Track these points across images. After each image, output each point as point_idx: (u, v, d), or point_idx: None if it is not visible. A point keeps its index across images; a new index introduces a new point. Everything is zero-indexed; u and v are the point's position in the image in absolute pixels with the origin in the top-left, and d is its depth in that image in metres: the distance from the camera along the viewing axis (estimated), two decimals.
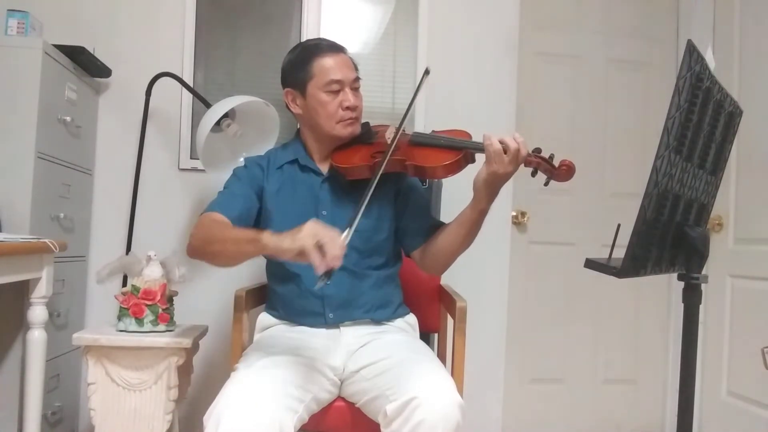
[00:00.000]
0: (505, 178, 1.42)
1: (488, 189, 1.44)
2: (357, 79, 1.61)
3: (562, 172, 1.43)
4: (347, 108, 1.57)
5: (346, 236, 1.25)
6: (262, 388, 1.28)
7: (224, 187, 1.63)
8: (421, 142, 1.56)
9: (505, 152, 1.38)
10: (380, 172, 1.44)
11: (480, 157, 1.46)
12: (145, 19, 2.38)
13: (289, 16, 2.48)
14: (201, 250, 1.45)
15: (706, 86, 1.09)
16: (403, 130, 1.56)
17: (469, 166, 1.53)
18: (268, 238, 1.26)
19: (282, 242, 1.22)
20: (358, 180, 1.56)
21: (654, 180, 1.03)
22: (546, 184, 1.46)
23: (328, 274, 1.19)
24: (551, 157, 1.44)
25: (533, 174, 1.46)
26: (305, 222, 1.57)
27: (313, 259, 1.16)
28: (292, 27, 2.48)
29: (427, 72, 1.56)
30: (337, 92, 1.56)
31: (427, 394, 1.27)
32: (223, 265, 1.54)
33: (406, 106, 1.55)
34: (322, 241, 1.17)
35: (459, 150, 1.50)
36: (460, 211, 1.53)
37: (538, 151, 1.44)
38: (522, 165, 1.42)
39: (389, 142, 1.53)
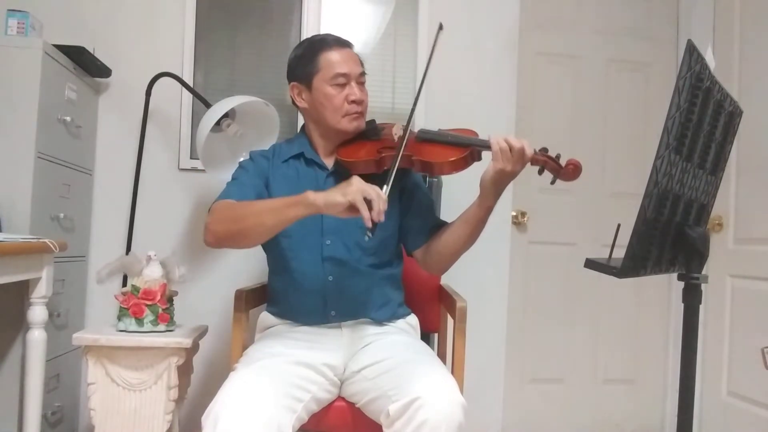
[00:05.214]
0: (511, 176, 1.44)
1: (495, 187, 1.46)
2: (363, 73, 1.61)
3: (569, 171, 1.44)
4: (353, 102, 1.57)
5: (385, 192, 1.32)
6: (261, 387, 1.28)
7: (232, 179, 1.61)
8: (428, 138, 1.57)
9: (511, 150, 1.40)
10: (402, 149, 1.47)
11: (486, 156, 1.48)
12: (145, 19, 2.38)
13: (289, 16, 2.48)
14: (227, 231, 1.41)
15: (706, 86, 1.09)
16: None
17: (474, 164, 1.53)
18: (314, 195, 1.31)
19: (332, 197, 1.29)
20: (364, 175, 1.55)
21: (654, 180, 1.03)
22: (552, 182, 1.47)
23: (374, 227, 1.28)
24: (558, 156, 1.46)
25: (540, 172, 1.48)
26: (308, 220, 1.58)
27: (363, 213, 1.26)
28: (292, 27, 2.49)
29: (441, 27, 1.51)
30: (343, 86, 1.56)
31: (430, 395, 1.27)
32: (251, 243, 1.46)
33: (407, 104, 1.55)
34: (369, 196, 1.27)
35: (466, 147, 1.50)
36: (464, 210, 1.54)
37: (545, 150, 1.46)
38: (529, 164, 1.44)
39: (397, 137, 1.54)
